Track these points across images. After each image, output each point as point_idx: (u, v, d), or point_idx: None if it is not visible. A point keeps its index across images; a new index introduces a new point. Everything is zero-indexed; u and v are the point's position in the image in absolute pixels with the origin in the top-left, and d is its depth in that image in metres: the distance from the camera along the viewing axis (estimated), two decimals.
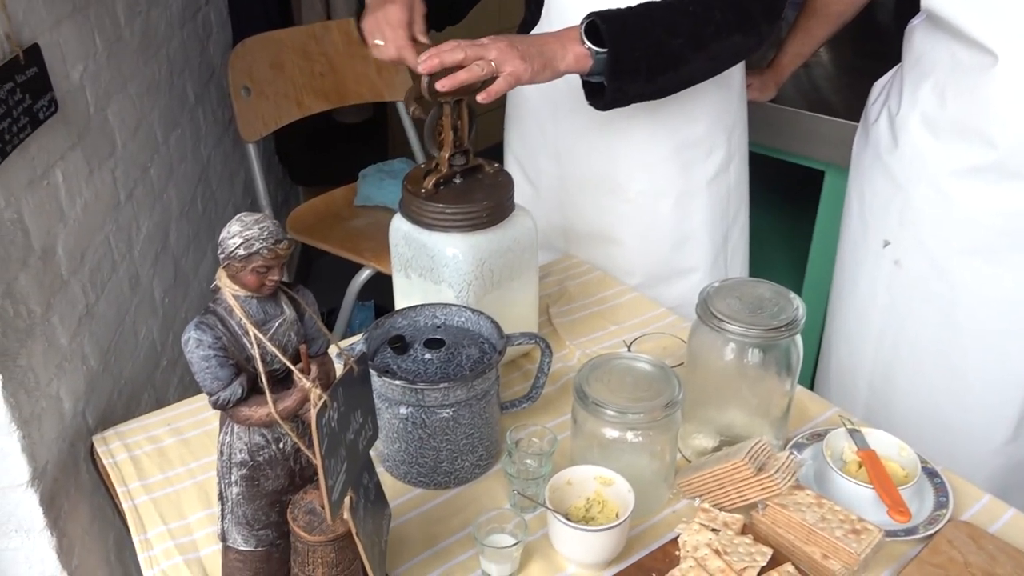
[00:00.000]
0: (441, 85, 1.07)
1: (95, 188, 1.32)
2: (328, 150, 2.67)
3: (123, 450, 1.15)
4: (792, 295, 1.06)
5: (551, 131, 1.50)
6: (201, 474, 1.11)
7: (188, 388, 1.72)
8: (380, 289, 1.91)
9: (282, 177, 2.84)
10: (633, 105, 1.26)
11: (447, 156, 1.15)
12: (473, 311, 1.13)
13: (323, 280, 2.81)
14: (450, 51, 1.07)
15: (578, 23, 1.16)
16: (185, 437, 1.18)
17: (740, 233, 1.60)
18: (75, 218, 1.24)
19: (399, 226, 1.18)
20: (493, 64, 1.08)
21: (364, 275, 2.08)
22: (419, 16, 1.17)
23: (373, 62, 2.14)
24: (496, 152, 1.60)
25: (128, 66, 1.52)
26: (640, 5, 1.20)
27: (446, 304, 1.14)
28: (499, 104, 1.59)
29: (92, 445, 1.19)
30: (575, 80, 1.22)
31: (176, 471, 1.12)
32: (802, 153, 1.95)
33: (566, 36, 1.16)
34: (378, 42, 1.14)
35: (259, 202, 2.16)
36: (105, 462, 1.14)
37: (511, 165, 1.61)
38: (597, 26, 1.15)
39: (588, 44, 1.15)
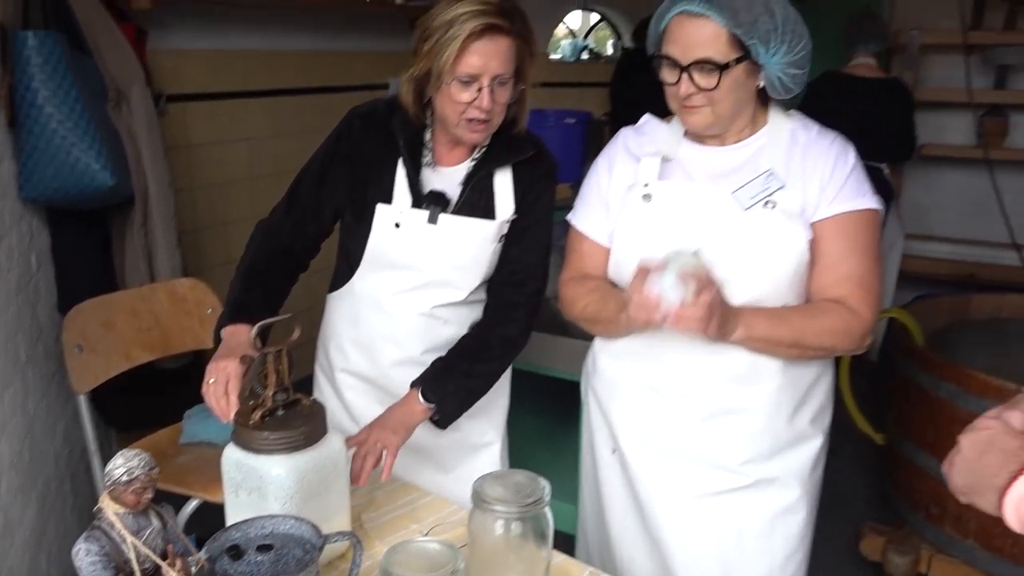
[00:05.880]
0: None
1: None
2: (148, 395, 2.83)
3: None
4: (540, 478, 1.41)
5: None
6: None
7: None
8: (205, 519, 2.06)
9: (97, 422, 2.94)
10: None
11: (271, 393, 1.46)
12: (296, 519, 1.37)
13: None
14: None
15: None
16: None
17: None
18: None
19: (231, 454, 1.45)
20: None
21: (192, 505, 2.22)
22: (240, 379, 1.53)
23: (197, 317, 2.43)
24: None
25: None
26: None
27: (273, 515, 1.39)
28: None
29: None
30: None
31: None
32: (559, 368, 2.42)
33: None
34: (211, 380, 1.53)
35: (88, 447, 2.27)
36: None
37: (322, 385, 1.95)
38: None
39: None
